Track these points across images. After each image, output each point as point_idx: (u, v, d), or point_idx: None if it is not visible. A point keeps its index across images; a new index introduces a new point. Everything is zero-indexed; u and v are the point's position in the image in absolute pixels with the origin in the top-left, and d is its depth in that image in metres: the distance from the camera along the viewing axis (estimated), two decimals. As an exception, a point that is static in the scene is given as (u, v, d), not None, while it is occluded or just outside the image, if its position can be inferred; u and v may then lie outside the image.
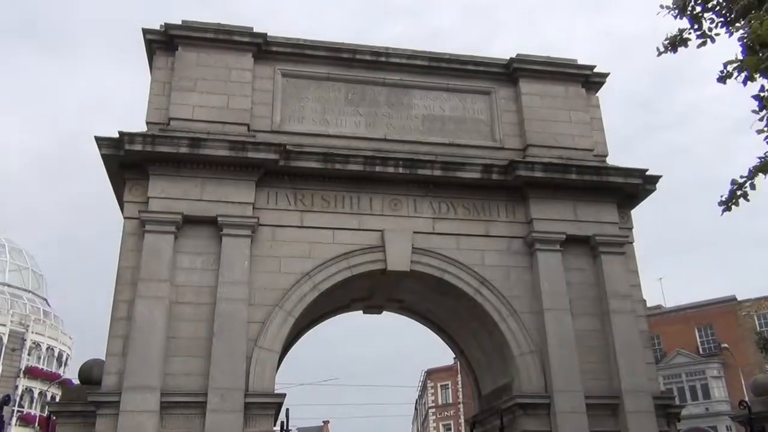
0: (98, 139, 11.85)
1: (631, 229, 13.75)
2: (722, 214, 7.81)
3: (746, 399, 12.87)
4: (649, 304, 13.81)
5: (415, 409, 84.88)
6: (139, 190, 11.98)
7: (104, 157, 11.96)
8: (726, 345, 39.16)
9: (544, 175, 13.00)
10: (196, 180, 12.00)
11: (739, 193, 7.66)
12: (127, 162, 11.97)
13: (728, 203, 7.73)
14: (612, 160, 14.02)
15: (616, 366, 12.13)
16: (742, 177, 7.67)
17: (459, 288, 12.59)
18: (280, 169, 12.35)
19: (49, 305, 56.15)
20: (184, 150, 11.80)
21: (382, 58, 13.80)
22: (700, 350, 43.20)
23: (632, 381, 11.98)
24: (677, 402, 13.68)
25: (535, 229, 12.88)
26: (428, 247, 12.65)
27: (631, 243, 13.59)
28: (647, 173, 13.47)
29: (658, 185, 13.73)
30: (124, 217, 11.92)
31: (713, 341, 42.52)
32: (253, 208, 12.09)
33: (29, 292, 53.88)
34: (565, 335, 12.18)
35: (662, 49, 8.50)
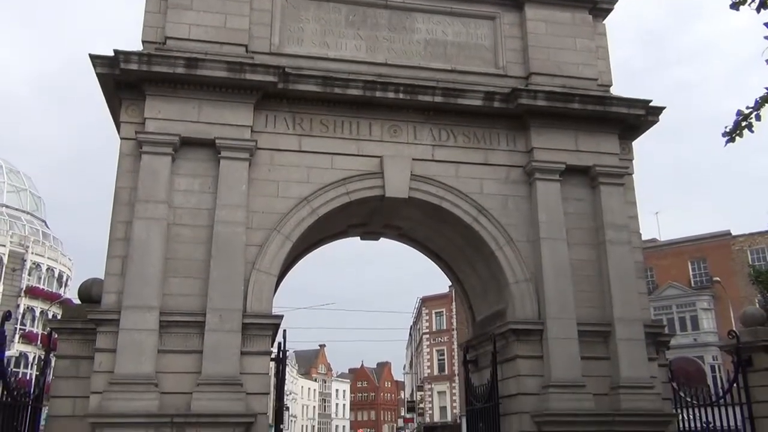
0: (93, 58, 11.60)
1: (631, 160, 13.68)
2: (726, 145, 7.73)
3: (735, 329, 13.11)
4: (644, 238, 13.86)
5: (410, 335, 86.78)
6: (136, 111, 11.82)
7: (99, 76, 11.74)
8: (717, 278, 39.70)
9: (546, 103, 12.83)
10: (193, 101, 11.83)
11: (744, 124, 7.57)
12: (123, 82, 11.76)
13: (732, 134, 7.64)
14: (619, 93, 13.80)
15: (609, 295, 12.31)
16: (748, 108, 7.56)
17: (457, 216, 12.63)
18: (279, 93, 12.16)
19: (48, 227, 56.40)
20: (180, 70, 11.58)
21: (385, -22, 13.38)
22: (692, 283, 43.85)
23: (624, 310, 12.18)
24: (667, 332, 13.93)
25: (535, 159, 12.81)
26: (427, 174, 12.61)
27: (631, 174, 13.55)
28: (651, 104, 13.31)
29: (662, 120, 13.59)
30: (121, 138, 11.80)
31: (705, 275, 43.10)
32: (251, 131, 11.97)
33: (28, 213, 54.02)
34: (560, 264, 12.30)
35: None
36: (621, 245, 12.61)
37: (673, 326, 39.84)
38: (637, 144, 13.98)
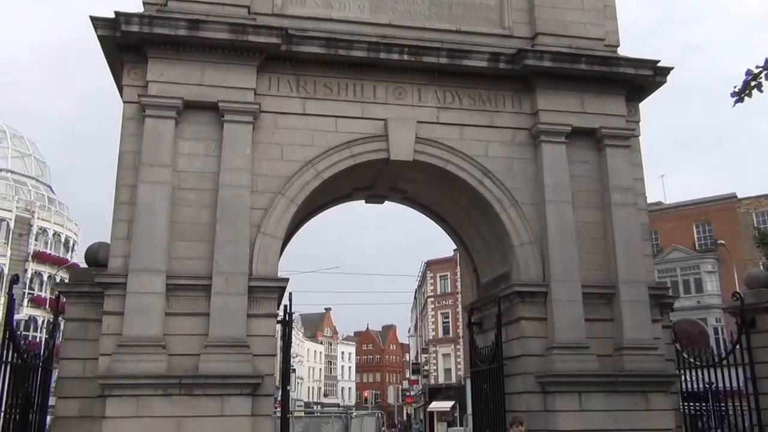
0: (94, 20, 11.47)
1: (638, 122, 13.57)
2: (734, 105, 7.65)
3: (739, 291, 13.15)
4: (649, 201, 13.83)
5: (415, 298, 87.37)
6: (138, 74, 11.73)
7: (101, 38, 11.62)
8: (722, 241, 39.67)
9: (552, 64, 12.67)
10: (196, 64, 11.73)
11: (753, 84, 7.48)
12: (125, 44, 11.65)
13: (741, 94, 7.56)
14: (626, 54, 13.60)
15: (614, 257, 12.32)
16: (758, 67, 7.46)
17: (462, 179, 12.59)
18: (282, 54, 12.04)
19: (53, 192, 56.51)
20: (182, 32, 11.45)
21: (389, -63, 13.11)
22: (697, 246, 43.85)
23: (629, 272, 12.20)
24: (671, 294, 13.96)
25: (540, 121, 12.71)
26: (432, 136, 12.53)
27: (637, 136, 13.45)
28: (658, 65, 13.14)
29: (669, 82, 13.43)
30: (124, 102, 11.73)
31: (710, 238, 43.07)
32: (255, 94, 11.88)
33: (33, 179, 54.07)
34: (565, 227, 12.29)
35: None
36: (626, 207, 12.58)
37: (677, 289, 39.91)
38: (643, 106, 13.85)
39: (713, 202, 43.52)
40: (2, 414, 9.79)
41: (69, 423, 10.85)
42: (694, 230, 43.89)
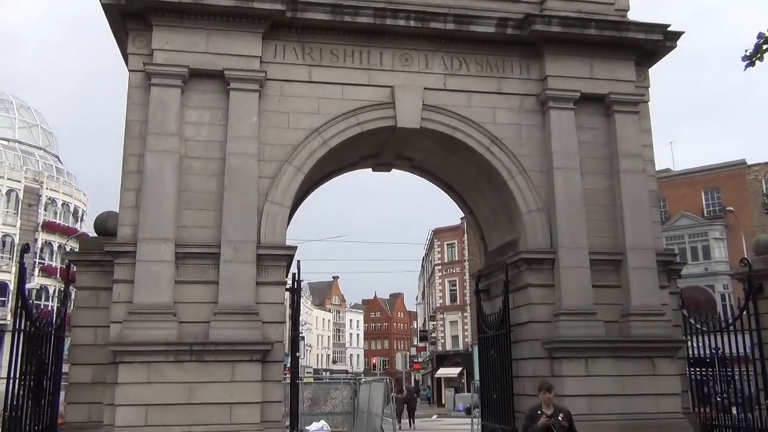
0: (97, -13, 11.36)
1: (647, 87, 13.43)
2: (745, 69, 7.59)
3: (747, 257, 13.13)
4: (657, 168, 13.75)
5: (422, 266, 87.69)
6: (143, 42, 11.67)
7: (105, 6, 11.54)
8: (731, 208, 39.51)
9: (561, 30, 12.52)
10: (201, 32, 11.64)
11: (765, 47, 7.38)
12: (129, 12, 11.56)
13: (753, 58, 7.48)
14: (636, 18, 13.40)
15: (622, 224, 12.30)
16: (770, 30, 7.34)
17: (469, 146, 12.53)
18: (288, 21, 11.92)
19: (61, 162, 56.63)
20: (186, -1, 11.35)
21: None
22: (705, 213, 43.69)
23: (637, 238, 12.19)
24: (678, 260, 13.95)
25: (549, 87, 12.60)
26: (439, 104, 12.45)
27: (646, 102, 13.32)
28: (668, 29, 12.95)
29: (680, 48, 13.27)
30: (129, 70, 11.69)
31: (719, 204, 42.88)
32: (260, 61, 11.81)
33: (40, 149, 54.16)
34: (573, 193, 12.26)
35: None
36: (635, 174, 12.52)
37: (685, 256, 39.86)
38: (653, 71, 13.68)
39: (722, 169, 43.23)
40: (17, 381, 9.95)
41: (82, 389, 11.04)
42: (703, 197, 43.69)
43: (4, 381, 10.51)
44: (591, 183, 12.57)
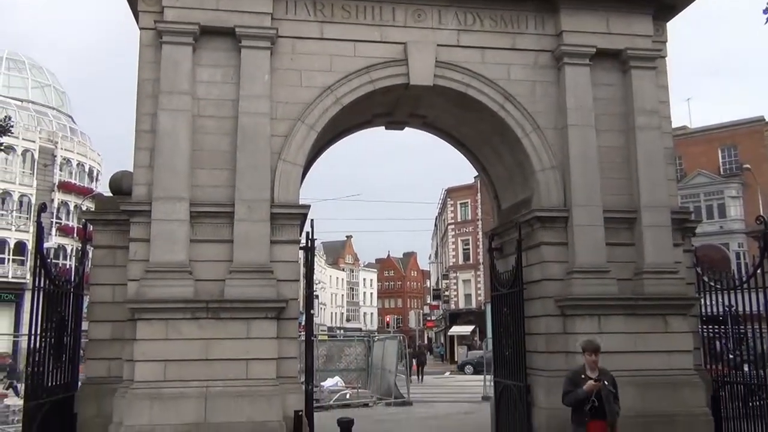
0: (106, -57, 11.23)
1: (664, 42, 13.15)
2: (766, 22, 7.38)
3: (763, 215, 13.01)
4: (674, 125, 13.56)
5: (435, 225, 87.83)
6: (153, -1, 11.56)
7: (114, -38, 11.41)
8: (747, 165, 39.08)
9: (577, -17, 12.24)
10: (211, -12, 11.50)
11: (788, -2, 7.19)
12: (138, -32, 11.44)
13: (774, 10, 7.28)
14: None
15: (637, 181, 12.21)
16: (793, -19, 7.15)
17: (483, 103, 12.41)
18: (299, -23, 11.74)
19: (74, 122, 56.78)
20: (196, -46, 11.19)
21: None
22: (721, 171, 43.26)
23: (652, 196, 12.11)
24: (693, 218, 13.86)
25: (564, 42, 12.38)
26: (452, 60, 12.29)
27: (664, 57, 13.07)
28: (688, -19, 12.64)
29: (699, 3, 12.93)
30: (140, 28, 11.60)
31: (735, 162, 42.42)
32: (272, 18, 11.67)
33: (54, 109, 54.27)
34: (587, 151, 12.15)
35: None
36: (651, 131, 12.37)
37: (700, 214, 39.67)
38: (670, 26, 13.38)
39: (740, 126, 42.65)
40: (39, 337, 10.17)
41: (102, 345, 11.27)
42: (720, 155, 43.23)
43: (27, 338, 10.76)
44: (606, 140, 12.44)
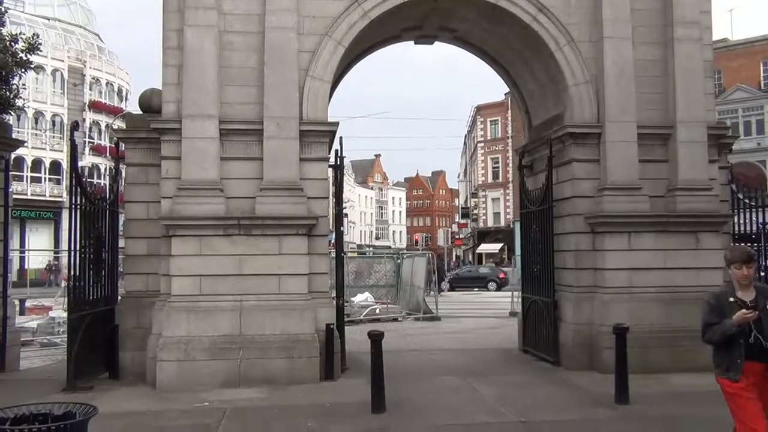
0: None
1: (709, -53, 12.47)
2: None
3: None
4: (714, 38, 12.98)
5: (464, 143, 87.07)
6: None
7: None
8: (791, 80, 37.63)
9: None
10: None
11: None
12: None
13: None
14: None
15: (673, 96, 11.85)
16: None
17: (515, 15, 11.99)
18: None
19: (101, 41, 56.48)
20: None
21: None
22: (762, 85, 41.79)
23: (688, 111, 11.77)
24: (731, 134, 13.49)
25: (602, -51, 11.79)
26: (484, -30, 11.82)
27: (708, -37, 12.43)
28: None
29: None
30: (163, -59, 11.32)
31: (778, 76, 40.87)
32: (297, -73, 11.27)
33: (80, 27, 53.92)
34: (623, 65, 11.77)
35: None
36: (690, 42, 11.90)
37: (738, 130, 38.65)
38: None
39: (785, 38, 40.82)
40: (78, 253, 10.48)
41: (138, 260, 11.61)
42: (761, 68, 41.65)
43: (67, 254, 11.11)
44: (642, 53, 12.02)
